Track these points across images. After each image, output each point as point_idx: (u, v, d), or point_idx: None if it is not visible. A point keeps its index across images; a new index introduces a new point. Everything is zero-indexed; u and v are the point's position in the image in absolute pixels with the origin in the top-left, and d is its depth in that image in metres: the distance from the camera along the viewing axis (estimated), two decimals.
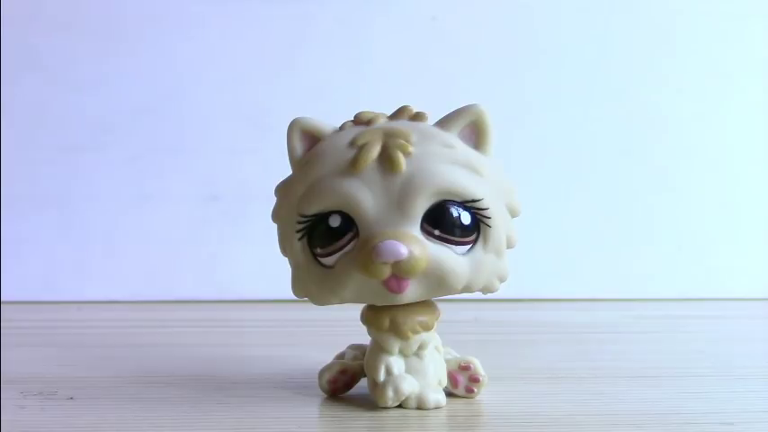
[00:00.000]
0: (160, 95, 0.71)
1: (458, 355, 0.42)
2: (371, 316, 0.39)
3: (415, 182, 0.36)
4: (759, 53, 0.73)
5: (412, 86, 0.70)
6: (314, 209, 0.37)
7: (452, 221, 0.36)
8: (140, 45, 0.71)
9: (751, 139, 0.73)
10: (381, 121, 0.38)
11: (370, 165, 0.36)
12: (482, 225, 0.37)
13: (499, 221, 0.37)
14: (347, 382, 0.41)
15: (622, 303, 0.69)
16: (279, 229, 0.39)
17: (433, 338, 0.39)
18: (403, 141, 0.36)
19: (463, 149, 0.37)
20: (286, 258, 0.39)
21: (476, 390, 0.40)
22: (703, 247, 0.72)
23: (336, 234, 0.37)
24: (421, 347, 0.39)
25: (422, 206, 0.36)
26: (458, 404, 0.40)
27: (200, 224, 0.72)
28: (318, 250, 0.37)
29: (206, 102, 0.71)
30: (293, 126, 0.39)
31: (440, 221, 0.36)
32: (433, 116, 0.38)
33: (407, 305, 0.38)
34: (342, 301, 0.38)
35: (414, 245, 0.36)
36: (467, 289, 0.37)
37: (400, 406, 0.39)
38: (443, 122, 0.38)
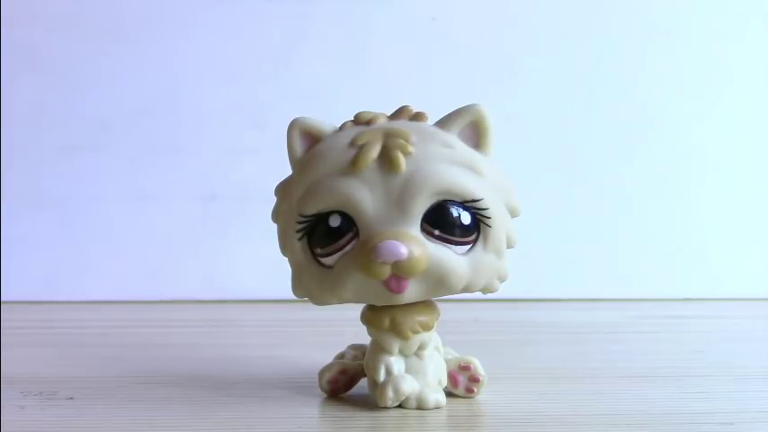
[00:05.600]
0: (160, 95, 0.71)
1: (458, 355, 0.42)
2: (371, 316, 0.39)
3: (415, 182, 0.36)
4: (759, 53, 0.72)
5: (412, 86, 0.70)
6: (314, 209, 0.37)
7: (452, 221, 0.36)
8: (140, 45, 0.71)
9: (751, 139, 0.73)
10: (381, 121, 0.38)
11: (369, 165, 0.36)
12: (482, 225, 0.37)
13: (499, 221, 0.37)
14: (347, 382, 0.41)
15: (622, 303, 0.69)
16: (279, 229, 0.39)
17: (432, 338, 0.39)
18: (403, 141, 0.36)
19: (463, 149, 0.37)
20: (286, 258, 0.39)
21: (476, 390, 0.40)
22: (703, 247, 0.72)
23: (336, 234, 0.37)
24: (421, 347, 0.39)
25: (422, 206, 0.36)
26: (458, 404, 0.40)
27: (199, 224, 0.72)
28: (318, 250, 0.37)
29: (205, 102, 0.71)
30: (293, 126, 0.39)
31: (440, 221, 0.36)
32: (433, 116, 0.38)
33: (407, 305, 0.38)
34: (342, 301, 0.38)
35: (413, 245, 0.36)
36: (467, 289, 0.37)
37: (400, 406, 0.39)
38: (443, 122, 0.38)
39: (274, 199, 0.39)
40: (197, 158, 0.71)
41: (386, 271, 0.36)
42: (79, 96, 0.71)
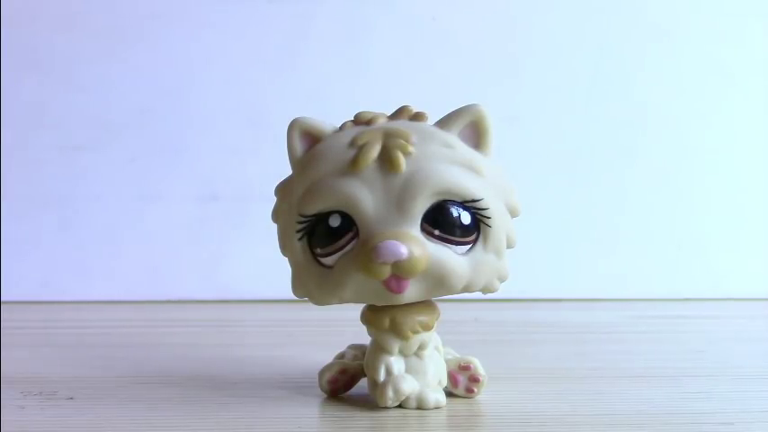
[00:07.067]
0: (160, 95, 0.71)
1: (458, 355, 0.42)
2: (371, 316, 0.39)
3: (415, 182, 0.36)
4: (759, 53, 0.72)
5: (412, 86, 0.70)
6: (314, 209, 0.37)
7: (452, 221, 0.36)
8: (141, 45, 0.71)
9: (751, 139, 0.73)
10: (381, 121, 0.38)
11: (370, 165, 0.36)
12: (482, 225, 0.37)
13: (499, 221, 0.37)
14: (347, 382, 0.41)
15: (622, 303, 0.69)
16: (279, 229, 0.39)
17: (432, 338, 0.39)
18: (403, 141, 0.36)
19: (463, 149, 0.37)
20: (286, 258, 0.39)
21: (476, 390, 0.40)
22: (703, 247, 0.72)
23: (336, 234, 0.37)
24: (421, 347, 0.39)
25: (422, 206, 0.36)
26: (458, 404, 0.40)
27: (200, 224, 0.72)
28: (318, 250, 0.37)
29: (206, 102, 0.71)
30: (293, 126, 0.39)
31: (440, 221, 0.36)
32: (433, 116, 0.38)
33: (407, 305, 0.38)
34: (342, 302, 0.38)
35: (413, 245, 0.36)
36: (467, 289, 0.37)
37: (400, 406, 0.39)
38: (443, 122, 0.38)
39: (274, 199, 0.39)
40: (197, 158, 0.71)
41: (386, 271, 0.36)
42: (79, 96, 0.71)
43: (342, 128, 0.38)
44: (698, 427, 0.36)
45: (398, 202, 0.36)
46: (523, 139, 0.70)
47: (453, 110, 0.38)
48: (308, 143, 0.38)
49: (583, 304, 0.69)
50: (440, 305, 0.39)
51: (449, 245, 0.37)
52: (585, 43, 0.72)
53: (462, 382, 0.40)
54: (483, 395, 0.40)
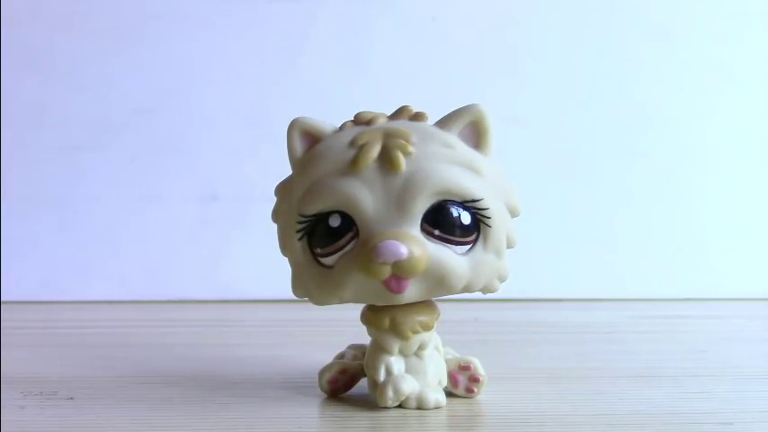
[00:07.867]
0: (160, 95, 0.71)
1: (458, 355, 0.42)
2: (371, 316, 0.39)
3: (415, 182, 0.36)
4: (759, 52, 0.72)
5: (412, 86, 0.70)
6: (314, 209, 0.37)
7: (452, 221, 0.36)
8: (140, 45, 0.71)
9: (751, 139, 0.73)
10: (381, 121, 0.38)
11: (370, 165, 0.36)
12: (482, 225, 0.37)
13: (499, 221, 0.37)
14: (347, 382, 0.41)
15: (622, 303, 0.69)
16: (279, 229, 0.39)
17: (432, 338, 0.39)
18: (403, 141, 0.36)
19: (463, 149, 0.37)
20: (286, 258, 0.39)
21: (476, 390, 0.40)
22: (703, 247, 0.72)
23: (336, 234, 0.37)
24: (421, 347, 0.39)
25: (422, 206, 0.36)
26: (458, 404, 0.40)
27: (200, 224, 0.72)
28: (318, 250, 0.37)
29: (206, 102, 0.71)
30: (293, 126, 0.39)
31: (440, 221, 0.36)
32: (433, 116, 0.38)
33: (407, 305, 0.38)
34: (342, 302, 0.38)
35: (413, 245, 0.36)
36: (467, 289, 0.37)
37: (400, 406, 0.39)
38: (443, 122, 0.38)
39: (274, 199, 0.39)
40: (197, 158, 0.71)
41: (386, 271, 0.36)
42: (79, 96, 0.71)
43: (342, 128, 0.38)
44: (698, 427, 0.37)
45: (398, 202, 0.36)
46: (523, 139, 0.70)
47: (453, 110, 0.38)
48: (307, 143, 0.38)
49: (583, 304, 0.69)
50: (440, 305, 0.39)
51: (449, 245, 0.37)
52: (585, 43, 0.72)
53: (462, 382, 0.40)
54: (483, 395, 0.40)
